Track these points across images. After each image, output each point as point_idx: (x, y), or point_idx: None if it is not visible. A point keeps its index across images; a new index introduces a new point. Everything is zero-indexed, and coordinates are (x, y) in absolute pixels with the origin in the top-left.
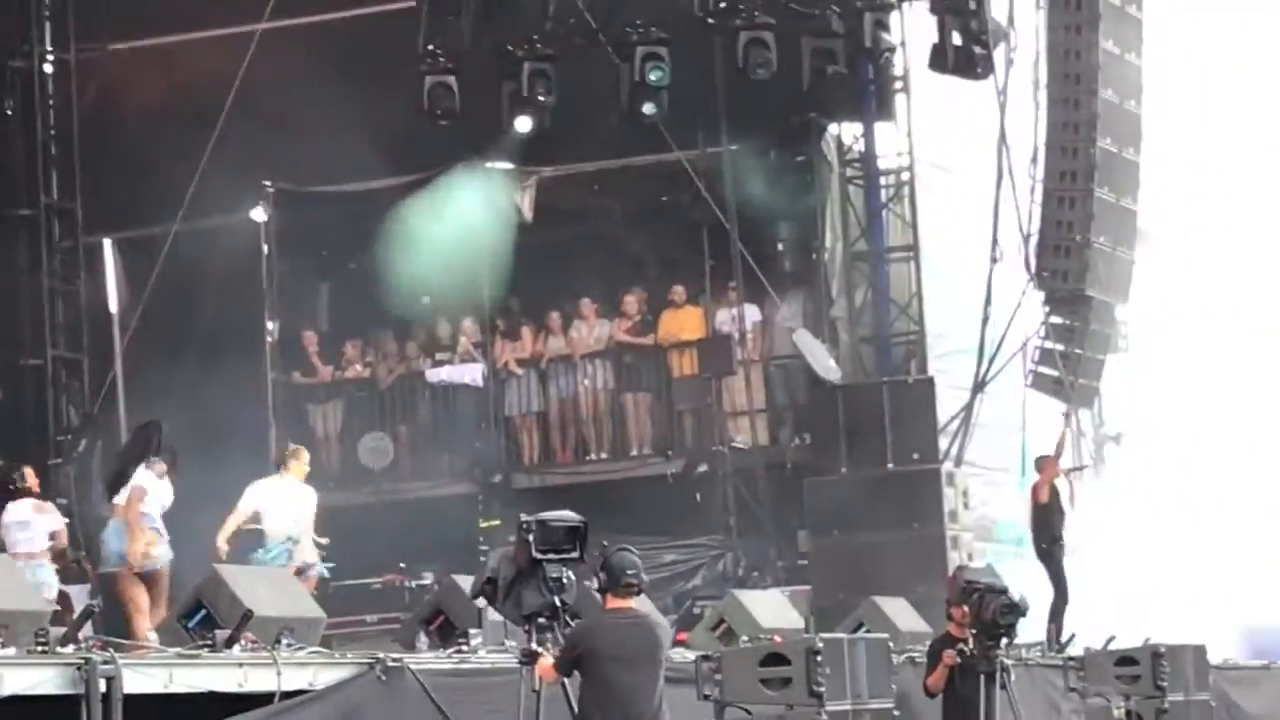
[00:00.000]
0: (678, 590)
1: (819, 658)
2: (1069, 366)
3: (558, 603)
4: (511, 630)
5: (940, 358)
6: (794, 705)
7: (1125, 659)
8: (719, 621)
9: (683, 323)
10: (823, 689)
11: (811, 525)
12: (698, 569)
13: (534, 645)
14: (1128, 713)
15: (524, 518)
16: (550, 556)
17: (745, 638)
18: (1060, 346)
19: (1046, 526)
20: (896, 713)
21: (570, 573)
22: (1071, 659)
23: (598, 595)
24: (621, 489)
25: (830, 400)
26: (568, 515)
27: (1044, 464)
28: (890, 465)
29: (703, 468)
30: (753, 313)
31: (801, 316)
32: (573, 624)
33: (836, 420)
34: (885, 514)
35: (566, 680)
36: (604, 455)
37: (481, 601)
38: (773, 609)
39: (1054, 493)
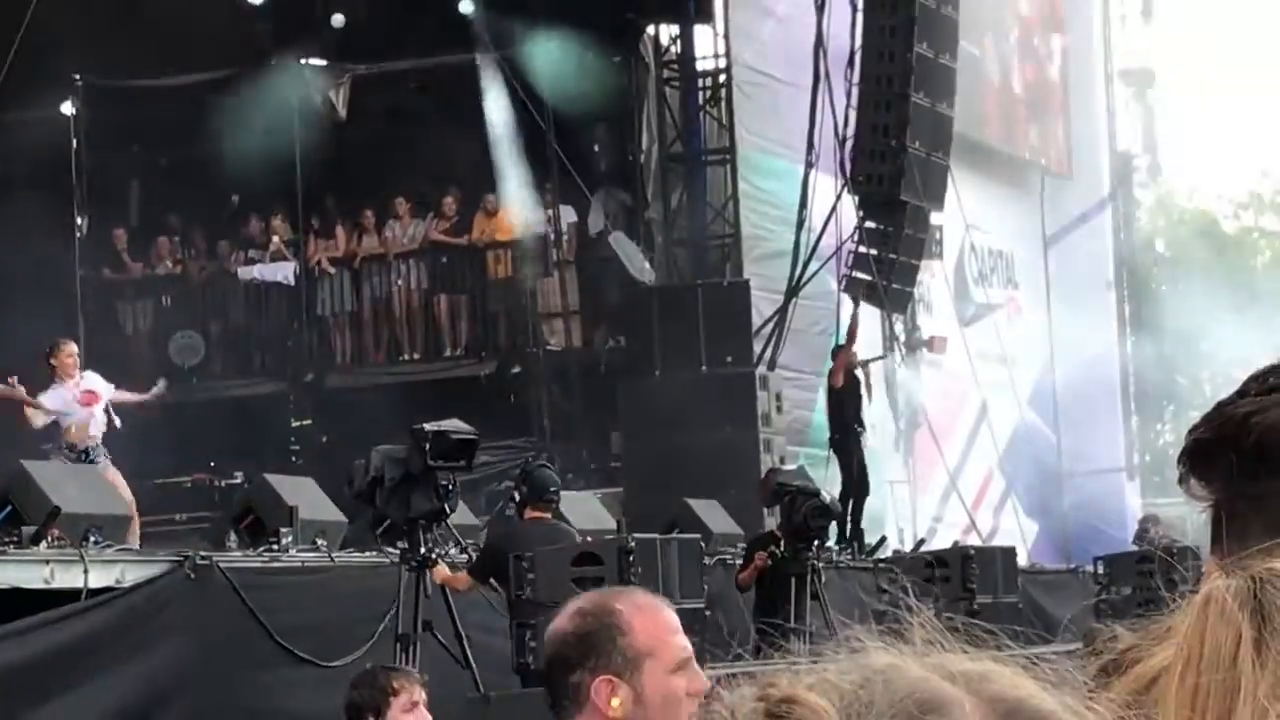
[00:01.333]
0: (490, 491)
1: (631, 558)
2: (883, 271)
3: (446, 509)
4: (328, 531)
5: (755, 261)
6: None
7: (936, 560)
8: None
9: (498, 224)
10: None
11: (625, 427)
12: (511, 471)
13: (425, 550)
14: (937, 614)
15: (422, 426)
16: (441, 465)
17: (455, 536)
18: (874, 251)
19: (840, 414)
20: (708, 613)
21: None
22: (882, 561)
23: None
24: (435, 390)
25: (645, 302)
26: (462, 427)
27: (839, 352)
28: (704, 368)
29: (517, 369)
30: (568, 214)
31: (616, 219)
32: (488, 528)
33: (651, 323)
34: (699, 417)
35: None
36: (417, 356)
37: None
38: (586, 511)
39: (850, 380)
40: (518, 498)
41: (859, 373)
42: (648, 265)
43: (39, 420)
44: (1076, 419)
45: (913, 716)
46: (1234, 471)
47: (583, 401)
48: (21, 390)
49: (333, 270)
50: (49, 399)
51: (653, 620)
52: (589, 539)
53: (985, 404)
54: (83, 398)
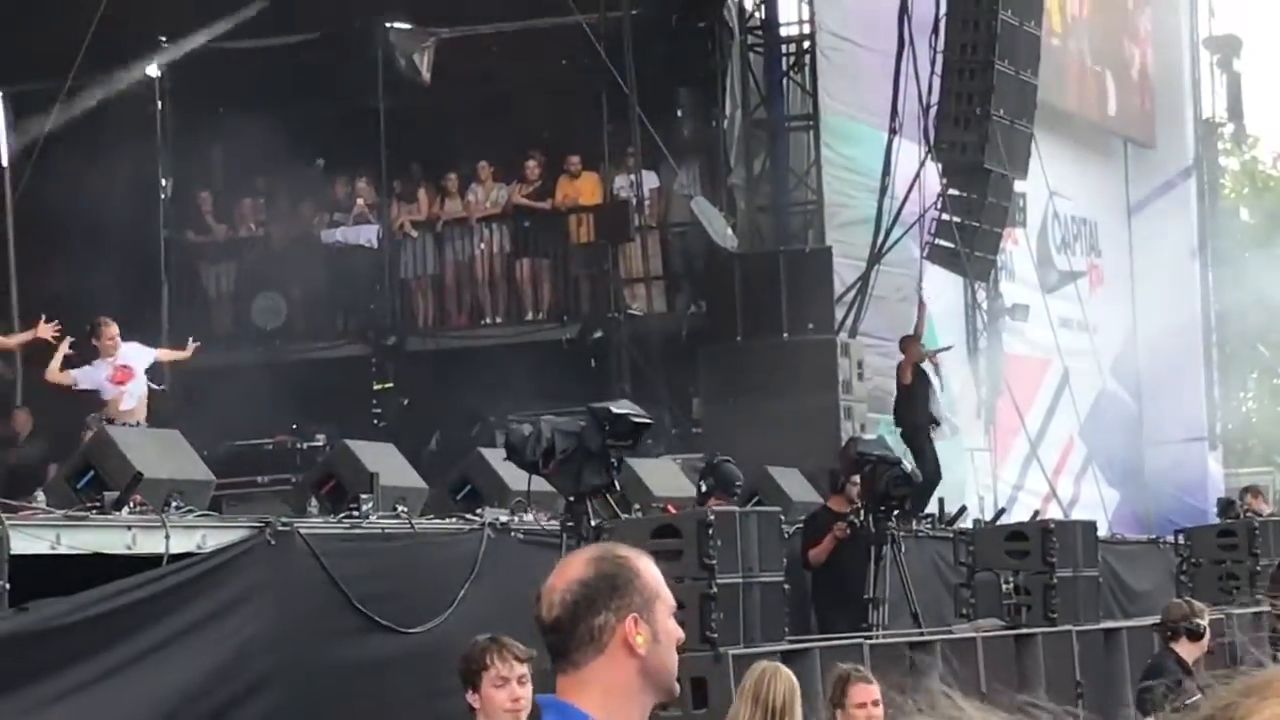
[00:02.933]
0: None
1: (710, 530)
2: (965, 239)
3: (615, 484)
4: (408, 498)
5: (838, 228)
6: (685, 578)
7: (1015, 534)
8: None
9: (580, 188)
10: (714, 561)
11: (705, 393)
12: None
13: (594, 524)
14: (1016, 587)
15: (606, 406)
16: (614, 444)
17: (638, 506)
18: (957, 219)
19: (910, 412)
20: (786, 586)
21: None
22: (962, 532)
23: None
24: (516, 354)
25: (727, 269)
26: (639, 411)
27: (905, 344)
28: (785, 335)
29: (598, 334)
30: (650, 180)
31: (699, 184)
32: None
33: (733, 289)
34: (779, 383)
35: None
36: (499, 320)
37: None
38: (666, 477)
39: (919, 376)
40: (704, 488)
41: (927, 365)
42: (730, 231)
43: (62, 379)
44: (1159, 388)
45: None
46: None
47: (664, 367)
48: (64, 345)
49: (415, 233)
50: (83, 375)
51: (650, 566)
52: (669, 508)
53: (1067, 372)
54: (116, 375)
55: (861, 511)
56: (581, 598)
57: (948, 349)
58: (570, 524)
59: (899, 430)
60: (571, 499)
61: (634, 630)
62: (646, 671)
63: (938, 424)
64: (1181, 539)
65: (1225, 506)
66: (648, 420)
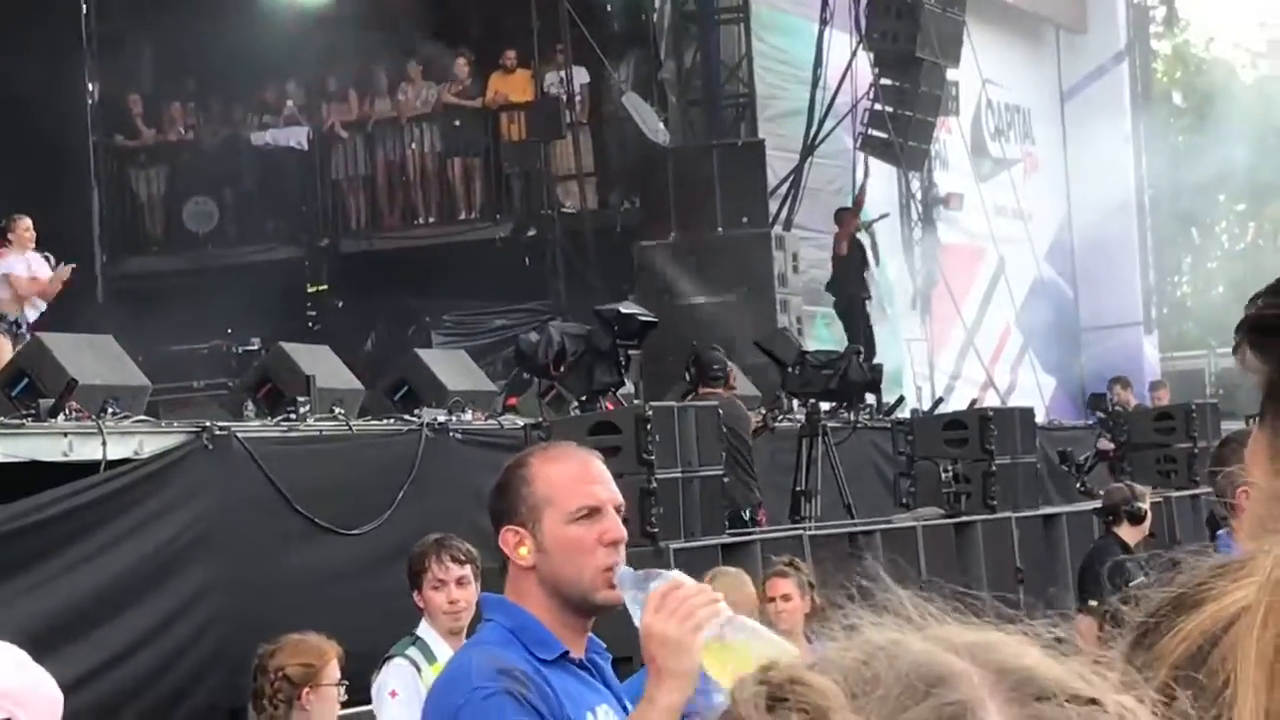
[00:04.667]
0: (507, 355)
1: (649, 426)
2: (899, 129)
3: (625, 382)
4: (345, 400)
5: (770, 120)
6: (624, 474)
7: (953, 422)
8: (550, 387)
9: (511, 86)
10: (652, 457)
11: (640, 289)
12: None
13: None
14: (955, 476)
15: (615, 308)
16: (623, 344)
17: (575, 403)
18: (890, 109)
19: (845, 283)
20: (726, 479)
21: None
22: (900, 422)
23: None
24: (450, 253)
25: (660, 164)
26: (645, 311)
27: (843, 217)
28: (720, 229)
29: (531, 232)
30: (581, 76)
31: (630, 79)
32: None
33: (666, 184)
34: (715, 278)
35: None
36: (432, 219)
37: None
38: None
39: (855, 247)
40: (688, 378)
41: (863, 236)
42: (662, 126)
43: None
44: (1094, 273)
45: (919, 691)
46: None
47: (598, 264)
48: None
49: (345, 134)
50: (14, 265)
51: (557, 469)
52: (607, 405)
53: (1002, 260)
54: (35, 285)
55: (784, 402)
56: (490, 509)
57: (884, 216)
58: (535, 424)
59: (834, 302)
60: (584, 398)
61: (514, 542)
62: (546, 581)
63: (869, 297)
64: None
65: (1097, 401)
66: (653, 319)
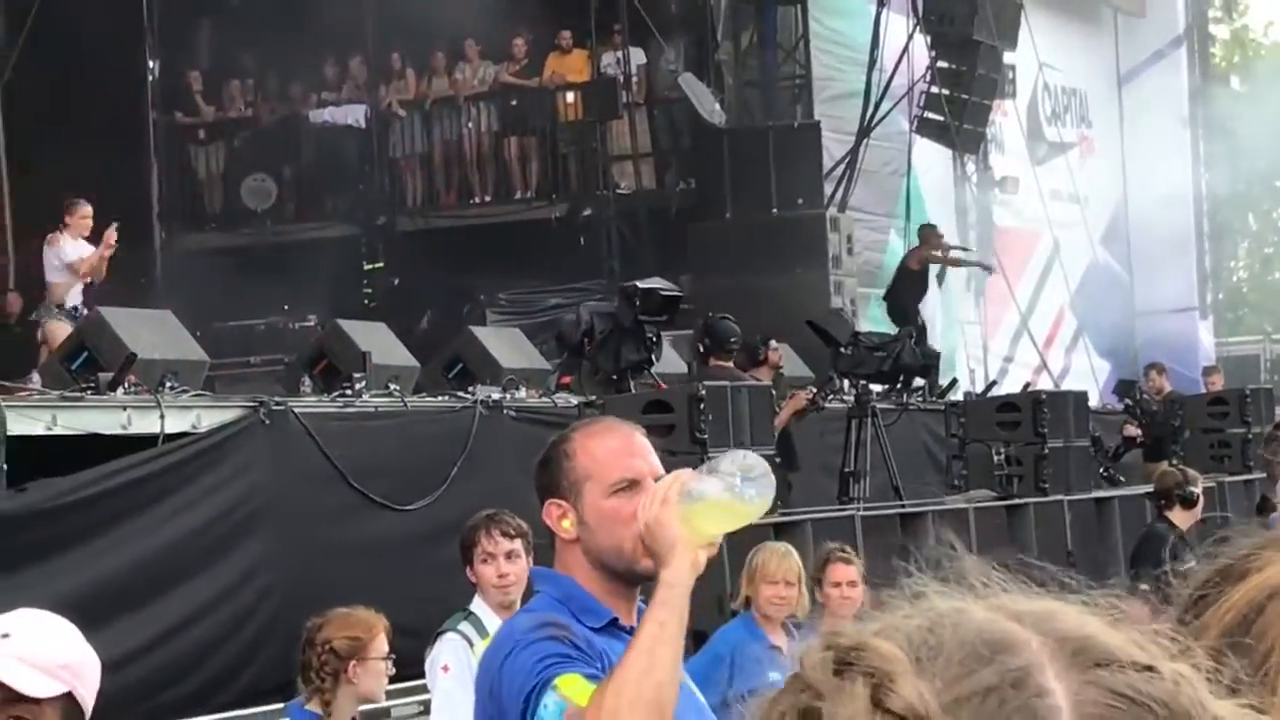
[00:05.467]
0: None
1: (702, 405)
2: (955, 112)
3: (652, 359)
4: (400, 376)
5: (826, 102)
6: (677, 452)
7: (1006, 405)
8: (596, 366)
9: (568, 66)
10: (705, 436)
11: (695, 269)
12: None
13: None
14: (1007, 458)
15: (634, 284)
16: (648, 319)
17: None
18: (946, 91)
19: (902, 296)
20: (778, 459)
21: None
22: (953, 405)
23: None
24: (506, 232)
25: (715, 144)
26: (668, 285)
27: (928, 235)
28: (775, 210)
29: (587, 211)
30: (638, 56)
31: (686, 60)
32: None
33: (721, 165)
34: (769, 258)
35: None
36: (488, 198)
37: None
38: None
39: (924, 271)
40: (701, 349)
41: (934, 268)
42: (718, 107)
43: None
44: (1149, 258)
45: (983, 658)
46: None
47: (653, 244)
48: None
49: (403, 113)
50: (68, 253)
51: (598, 443)
52: (661, 384)
53: (1058, 243)
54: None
55: (835, 382)
56: (536, 485)
57: (970, 259)
58: (588, 402)
59: (886, 308)
60: (614, 377)
61: (557, 516)
62: (589, 553)
63: (917, 318)
64: (1171, 406)
65: (1126, 387)
66: (677, 293)
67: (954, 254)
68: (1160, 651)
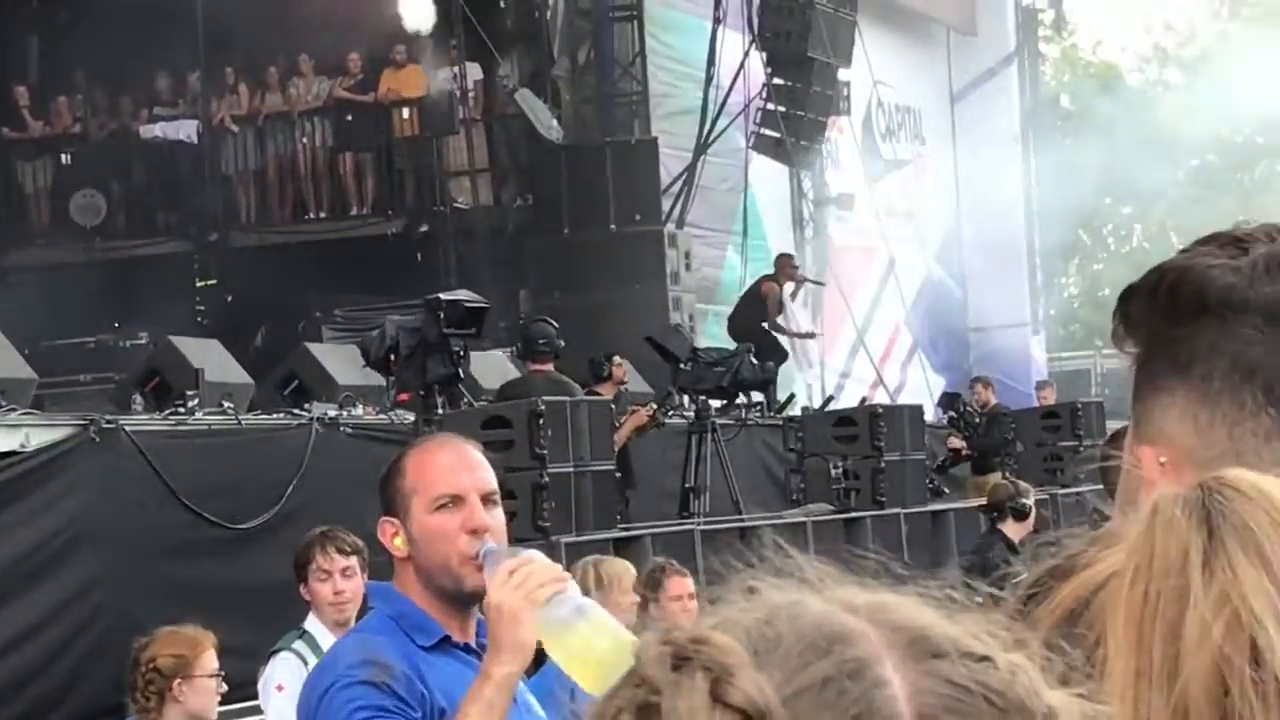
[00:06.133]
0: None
1: (540, 420)
2: (790, 128)
3: (460, 374)
4: (234, 394)
5: (663, 118)
6: (516, 468)
7: (844, 419)
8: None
9: (404, 81)
10: (545, 451)
11: (533, 286)
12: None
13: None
14: (845, 472)
15: (437, 296)
16: (454, 332)
17: (468, 398)
18: (782, 108)
19: (747, 323)
20: (618, 474)
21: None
22: (791, 419)
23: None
24: (341, 248)
25: (553, 160)
26: (474, 296)
27: (784, 263)
28: (612, 226)
29: (424, 228)
30: (474, 71)
31: (523, 76)
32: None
33: (559, 180)
34: (607, 275)
35: None
36: (323, 214)
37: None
38: (497, 370)
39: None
40: (516, 351)
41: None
42: (555, 123)
43: None
44: (982, 274)
45: (820, 649)
46: (1151, 319)
47: (490, 261)
48: None
49: (236, 128)
50: None
51: (425, 459)
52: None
53: (893, 260)
54: None
55: (675, 398)
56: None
57: (822, 284)
58: (425, 418)
59: (728, 326)
60: (421, 393)
61: (390, 533)
62: (420, 571)
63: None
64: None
65: (950, 400)
66: (483, 304)
67: (806, 284)
68: (996, 643)
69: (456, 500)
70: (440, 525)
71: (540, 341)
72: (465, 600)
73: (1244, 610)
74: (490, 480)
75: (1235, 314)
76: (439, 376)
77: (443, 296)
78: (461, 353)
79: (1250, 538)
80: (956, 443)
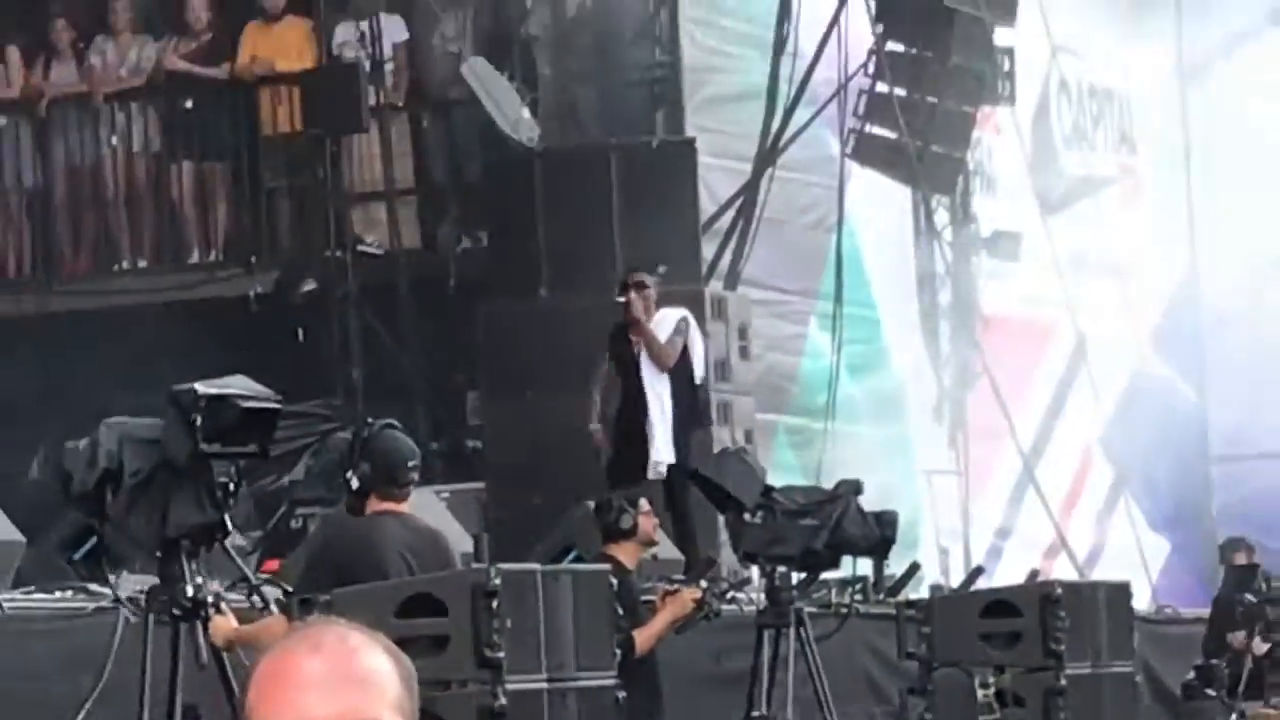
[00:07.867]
0: (265, 488)
1: (495, 602)
2: (915, 125)
3: (225, 522)
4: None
5: (705, 106)
6: (453, 681)
7: (999, 606)
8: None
9: (278, 43)
10: (500, 655)
11: (487, 381)
12: (298, 453)
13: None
14: (999, 693)
15: (192, 388)
16: (220, 450)
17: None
18: (901, 91)
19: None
20: (621, 695)
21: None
22: (911, 605)
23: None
24: (171, 319)
25: (523, 176)
26: (256, 389)
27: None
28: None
29: (309, 286)
30: (395, 29)
31: (476, 37)
32: (311, 533)
33: (532, 209)
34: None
35: None
36: (142, 264)
37: None
38: (426, 518)
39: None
40: (356, 483)
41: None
42: (527, 114)
43: None
44: (1234, 369)
45: None
46: None
47: (419, 339)
48: None
49: (2, 121)
50: None
51: (261, 667)
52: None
53: (1083, 342)
54: None
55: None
56: None
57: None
58: (158, 594)
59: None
60: (157, 554)
61: None
62: None
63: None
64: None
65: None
66: (273, 403)
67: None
68: None
69: None
70: None
71: (407, 465)
72: None
73: None
74: (352, 705)
75: None
76: (188, 526)
77: (200, 388)
78: (232, 485)
79: None
80: (1239, 641)
